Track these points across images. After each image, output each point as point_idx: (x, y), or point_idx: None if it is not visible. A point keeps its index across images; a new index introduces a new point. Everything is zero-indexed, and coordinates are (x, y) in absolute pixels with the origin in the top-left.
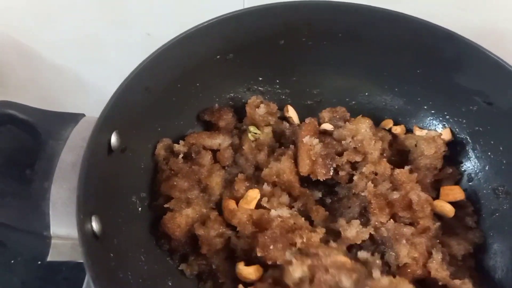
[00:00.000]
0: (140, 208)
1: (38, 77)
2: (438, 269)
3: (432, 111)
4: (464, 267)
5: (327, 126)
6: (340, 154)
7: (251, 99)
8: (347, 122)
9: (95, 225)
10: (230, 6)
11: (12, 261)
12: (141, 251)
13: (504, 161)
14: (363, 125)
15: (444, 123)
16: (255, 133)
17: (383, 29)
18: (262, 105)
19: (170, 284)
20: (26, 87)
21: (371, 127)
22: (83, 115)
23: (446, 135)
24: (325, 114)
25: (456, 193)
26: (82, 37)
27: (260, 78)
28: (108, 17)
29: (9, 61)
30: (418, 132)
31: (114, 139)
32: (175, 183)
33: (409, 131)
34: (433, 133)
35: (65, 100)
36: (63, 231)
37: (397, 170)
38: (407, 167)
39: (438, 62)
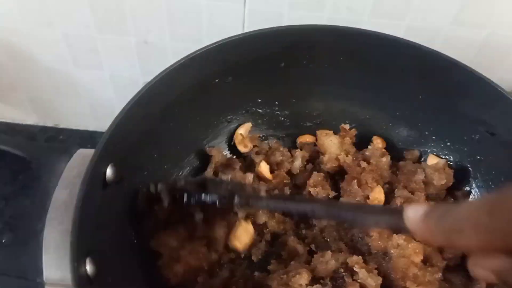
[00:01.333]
0: (135, 241)
1: (29, 78)
2: None
3: (433, 137)
4: None
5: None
6: None
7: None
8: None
9: (89, 268)
10: (229, 29)
11: None
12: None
13: None
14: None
15: (445, 150)
16: None
17: (385, 54)
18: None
19: None
20: (17, 88)
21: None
22: (78, 147)
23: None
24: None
25: None
26: (77, 40)
27: (259, 100)
28: (104, 21)
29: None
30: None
31: (109, 172)
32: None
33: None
34: (441, 163)
35: (56, 101)
36: (56, 276)
37: None
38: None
39: (441, 89)
